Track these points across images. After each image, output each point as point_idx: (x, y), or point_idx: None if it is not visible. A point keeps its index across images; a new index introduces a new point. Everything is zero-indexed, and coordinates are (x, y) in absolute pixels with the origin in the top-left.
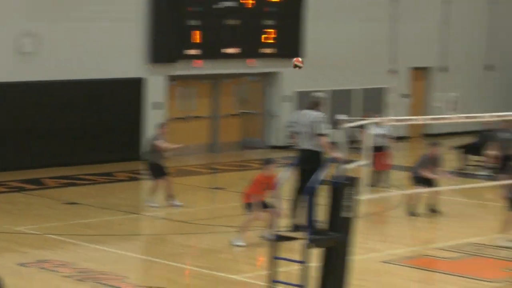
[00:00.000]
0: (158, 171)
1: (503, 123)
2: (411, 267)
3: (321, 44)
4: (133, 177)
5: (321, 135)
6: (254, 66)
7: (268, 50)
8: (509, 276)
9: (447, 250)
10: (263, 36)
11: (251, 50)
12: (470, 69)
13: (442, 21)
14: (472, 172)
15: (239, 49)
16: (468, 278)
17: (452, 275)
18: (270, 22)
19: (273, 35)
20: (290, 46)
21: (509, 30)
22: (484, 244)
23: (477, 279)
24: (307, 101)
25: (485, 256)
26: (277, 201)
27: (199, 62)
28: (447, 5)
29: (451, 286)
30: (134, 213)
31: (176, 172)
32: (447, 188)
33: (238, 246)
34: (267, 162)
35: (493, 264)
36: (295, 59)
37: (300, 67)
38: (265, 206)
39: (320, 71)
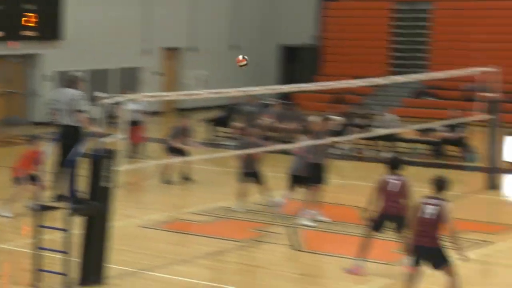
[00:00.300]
0: None
1: (247, 97)
2: (167, 230)
3: (80, 27)
4: None
5: (80, 111)
6: (16, 48)
7: (29, 33)
8: (255, 236)
9: (200, 214)
10: (23, 19)
11: (13, 33)
12: (217, 49)
13: (190, 5)
14: (220, 143)
15: (1, 32)
16: (219, 239)
17: (204, 236)
18: (30, 6)
19: (33, 19)
20: (50, 28)
21: (250, 13)
22: (231, 208)
23: (227, 239)
24: (66, 80)
25: (233, 219)
26: (42, 174)
27: None
28: None
29: (204, 246)
30: None
31: None
32: (198, 158)
33: (4, 216)
34: (33, 138)
35: (241, 226)
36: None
37: (245, 65)
38: (32, 179)
39: (79, 52)
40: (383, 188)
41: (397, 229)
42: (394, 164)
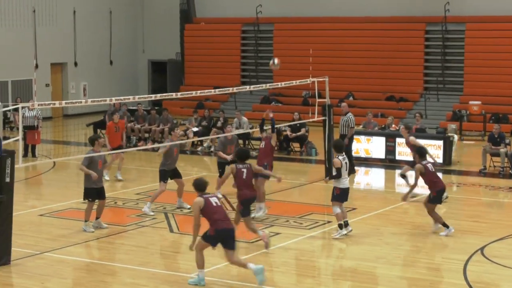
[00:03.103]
0: None
1: (117, 104)
2: (62, 218)
3: None
4: None
5: None
6: None
7: None
8: (136, 221)
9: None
10: None
11: None
12: (97, 63)
13: (72, 26)
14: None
15: None
16: (107, 224)
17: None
18: None
19: None
20: None
21: (124, 34)
22: (118, 198)
23: (113, 225)
24: None
25: (119, 207)
26: None
27: None
28: (75, 14)
29: (94, 231)
30: None
31: None
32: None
33: None
34: None
35: (124, 212)
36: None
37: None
38: None
39: None
40: (239, 176)
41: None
42: (241, 156)
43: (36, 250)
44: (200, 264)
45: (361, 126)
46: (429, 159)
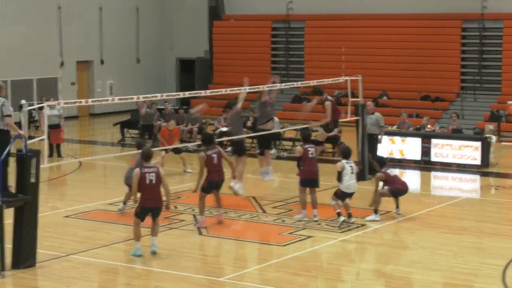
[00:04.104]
0: None
1: (147, 102)
2: (87, 219)
3: (2, 43)
4: None
5: (7, 116)
6: None
7: None
8: (164, 223)
9: (116, 205)
10: None
11: None
12: (123, 61)
13: (99, 24)
14: (129, 142)
15: None
16: (129, 225)
17: (120, 224)
18: None
19: None
20: None
21: (151, 31)
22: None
23: (141, 227)
24: None
25: None
26: None
27: None
28: (101, 10)
29: (121, 233)
30: None
31: None
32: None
33: None
34: None
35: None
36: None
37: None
38: None
39: (2, 65)
40: (210, 162)
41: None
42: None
43: (61, 252)
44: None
45: (395, 127)
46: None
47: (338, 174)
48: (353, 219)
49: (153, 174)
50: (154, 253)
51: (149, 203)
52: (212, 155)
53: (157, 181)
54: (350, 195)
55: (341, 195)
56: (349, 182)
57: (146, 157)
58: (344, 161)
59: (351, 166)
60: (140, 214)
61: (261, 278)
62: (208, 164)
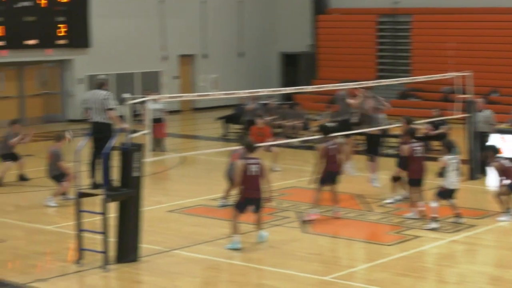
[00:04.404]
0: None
1: (251, 98)
2: (191, 214)
3: (106, 36)
4: None
5: (110, 109)
6: (51, 54)
7: (62, 41)
8: (268, 219)
9: (218, 200)
10: (57, 30)
11: (48, 41)
12: (226, 55)
13: (201, 17)
14: (232, 138)
15: (37, 40)
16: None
17: (224, 220)
18: (61, 18)
19: (65, 29)
20: (79, 37)
21: (254, 25)
22: None
23: (244, 223)
24: (95, 82)
25: None
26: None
27: (4, 52)
28: (204, 4)
29: (224, 229)
30: None
31: None
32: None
33: (51, 206)
34: (59, 135)
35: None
36: None
37: None
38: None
39: (106, 58)
40: (327, 153)
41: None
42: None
43: (165, 247)
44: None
45: (504, 124)
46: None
47: (442, 170)
48: (463, 219)
49: (256, 165)
50: (261, 241)
51: (251, 194)
52: (330, 146)
53: (260, 173)
54: (453, 192)
55: (445, 193)
56: (453, 178)
57: (250, 148)
58: (448, 156)
59: (455, 162)
60: (240, 206)
61: (366, 278)
62: (326, 155)
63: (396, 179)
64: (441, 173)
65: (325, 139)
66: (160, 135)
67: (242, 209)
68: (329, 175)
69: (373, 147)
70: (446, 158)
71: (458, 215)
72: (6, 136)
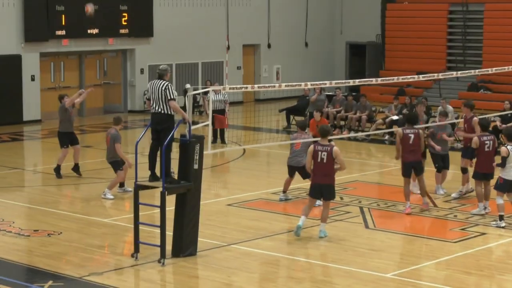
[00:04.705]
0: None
1: (317, 89)
2: (250, 208)
3: (168, 26)
4: (15, 138)
5: (171, 99)
6: (112, 44)
7: (123, 31)
8: (329, 214)
9: (278, 194)
10: (119, 19)
11: (109, 30)
12: (290, 45)
13: (266, 6)
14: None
15: (99, 29)
16: (297, 216)
17: (284, 214)
18: (124, 7)
19: (127, 18)
20: (141, 27)
21: (320, 14)
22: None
23: (297, 216)
24: (157, 72)
25: (301, 198)
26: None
27: (66, 41)
28: None
29: (283, 223)
30: (18, 168)
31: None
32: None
33: (108, 199)
34: (117, 119)
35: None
36: None
37: None
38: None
39: (168, 48)
40: (405, 140)
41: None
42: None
43: (223, 242)
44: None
45: None
46: None
47: (502, 160)
48: (503, 224)
49: (325, 153)
50: (321, 237)
51: (317, 180)
52: (409, 134)
53: (329, 160)
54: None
55: (504, 185)
56: (510, 169)
57: (324, 133)
58: (509, 146)
59: None
60: (311, 192)
61: (429, 276)
62: (403, 143)
63: (465, 170)
64: (501, 164)
65: (407, 127)
66: (221, 126)
67: (312, 194)
68: (406, 166)
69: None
70: (507, 147)
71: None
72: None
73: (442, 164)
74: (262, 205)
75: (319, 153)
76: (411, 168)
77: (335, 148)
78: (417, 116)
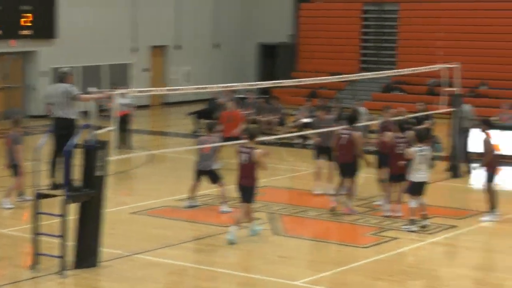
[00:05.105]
0: None
1: (226, 92)
2: (155, 216)
3: (73, 27)
4: None
5: (78, 94)
6: (14, 46)
7: (26, 32)
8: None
9: (185, 201)
10: (21, 19)
11: (11, 31)
12: (200, 46)
13: (175, 6)
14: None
15: (0, 31)
16: (205, 224)
17: (186, 221)
18: (27, 7)
19: (30, 19)
20: (45, 28)
21: (231, 14)
22: (208, 194)
23: (211, 224)
24: (57, 75)
25: (217, 205)
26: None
27: None
28: None
29: (186, 231)
30: None
31: None
32: (182, 149)
33: (7, 208)
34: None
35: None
36: None
37: None
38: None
39: (72, 50)
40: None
41: None
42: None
43: (127, 251)
44: None
45: (495, 118)
46: None
47: (408, 162)
48: (426, 222)
49: (247, 155)
50: (254, 235)
51: (239, 181)
52: (343, 135)
53: (250, 162)
54: (422, 186)
55: (412, 188)
56: (421, 170)
57: (250, 135)
58: (415, 148)
59: (424, 154)
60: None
61: (338, 282)
62: (336, 143)
63: (382, 180)
64: (407, 166)
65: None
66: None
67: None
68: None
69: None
70: (414, 149)
71: (424, 217)
72: None
73: None
74: (168, 213)
75: (242, 154)
76: (341, 168)
77: (256, 151)
78: (356, 116)
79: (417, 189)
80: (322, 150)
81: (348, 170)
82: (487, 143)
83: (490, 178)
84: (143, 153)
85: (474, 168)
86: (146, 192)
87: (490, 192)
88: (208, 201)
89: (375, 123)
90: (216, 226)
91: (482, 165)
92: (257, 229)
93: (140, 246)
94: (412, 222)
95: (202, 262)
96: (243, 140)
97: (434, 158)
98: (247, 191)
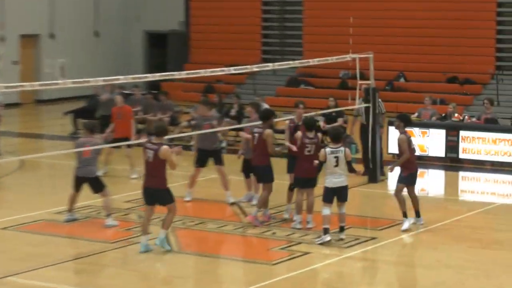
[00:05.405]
0: None
1: (108, 87)
2: (30, 232)
3: None
4: None
5: None
6: None
7: None
8: (126, 236)
9: (64, 214)
10: None
11: None
12: (78, 35)
13: None
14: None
15: None
16: (89, 240)
17: (66, 237)
18: None
19: None
20: None
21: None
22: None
23: (96, 241)
24: None
25: (103, 218)
26: None
27: None
28: None
29: (66, 248)
30: None
31: None
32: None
33: None
34: None
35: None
36: None
37: None
38: None
39: None
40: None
41: None
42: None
43: None
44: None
45: (415, 115)
46: None
47: (319, 165)
48: (343, 235)
49: (152, 151)
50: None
51: (147, 183)
52: (255, 133)
53: (155, 160)
54: (336, 192)
55: (325, 195)
56: (333, 175)
57: (158, 132)
58: (328, 149)
59: (336, 157)
60: (144, 198)
61: None
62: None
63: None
64: (319, 169)
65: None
66: None
67: (144, 200)
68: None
69: None
70: (326, 150)
71: (341, 228)
72: None
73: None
74: (44, 228)
75: (147, 151)
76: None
77: (163, 147)
78: (269, 112)
79: (331, 195)
80: (204, 154)
81: (263, 173)
82: (402, 142)
83: (404, 182)
84: (13, 159)
85: (389, 171)
86: (16, 205)
87: (398, 198)
88: (91, 213)
89: (283, 119)
90: (100, 243)
91: (395, 166)
92: (149, 245)
93: (12, 268)
94: (325, 231)
95: (84, 284)
96: (135, 140)
97: (351, 161)
98: (161, 194)
